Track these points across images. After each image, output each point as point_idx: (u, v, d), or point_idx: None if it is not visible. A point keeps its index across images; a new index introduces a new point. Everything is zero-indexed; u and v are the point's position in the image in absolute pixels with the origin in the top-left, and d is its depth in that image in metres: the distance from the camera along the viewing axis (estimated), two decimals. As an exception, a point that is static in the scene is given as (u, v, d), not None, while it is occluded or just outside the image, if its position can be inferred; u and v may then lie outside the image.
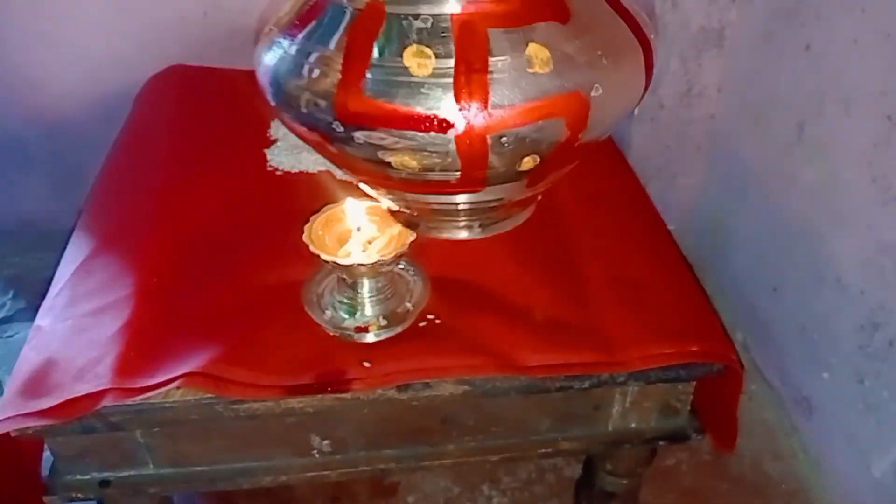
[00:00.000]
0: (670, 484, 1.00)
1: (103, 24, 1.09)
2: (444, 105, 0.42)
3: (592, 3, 0.46)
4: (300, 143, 0.94)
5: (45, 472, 0.69)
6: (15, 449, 0.64)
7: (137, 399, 0.61)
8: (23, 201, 1.23)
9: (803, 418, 1.00)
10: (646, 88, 0.48)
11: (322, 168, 0.92)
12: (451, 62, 0.42)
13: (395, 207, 0.58)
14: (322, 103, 0.46)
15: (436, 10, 0.42)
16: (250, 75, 1.10)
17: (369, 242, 0.68)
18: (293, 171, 0.91)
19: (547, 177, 0.53)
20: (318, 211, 0.69)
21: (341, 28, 0.47)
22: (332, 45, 0.47)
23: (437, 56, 0.42)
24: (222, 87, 1.08)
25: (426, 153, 0.45)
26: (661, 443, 0.75)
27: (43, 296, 0.76)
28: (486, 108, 0.42)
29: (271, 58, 0.55)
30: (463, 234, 0.62)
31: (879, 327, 0.84)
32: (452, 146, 0.44)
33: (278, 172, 0.91)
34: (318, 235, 0.67)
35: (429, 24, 0.42)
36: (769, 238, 1.04)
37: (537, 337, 0.68)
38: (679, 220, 1.25)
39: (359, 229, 0.67)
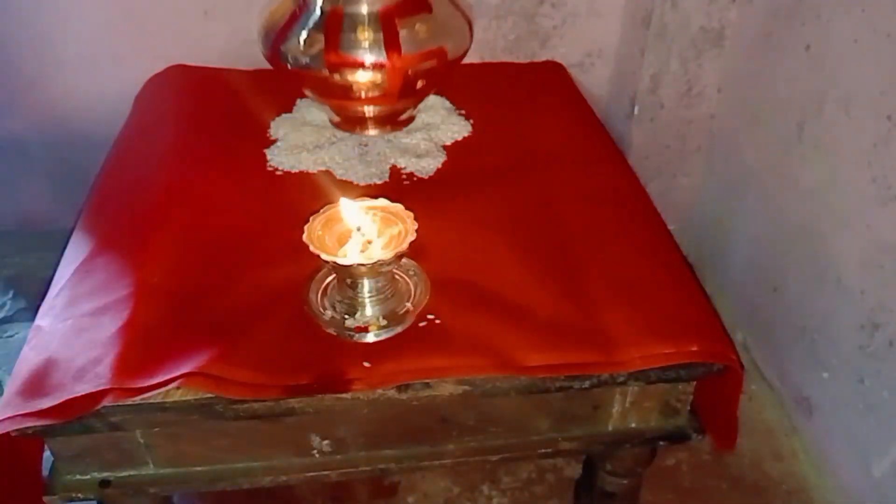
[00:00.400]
0: (670, 484, 1.00)
1: (102, 23, 1.09)
2: (378, 56, 0.81)
3: (442, 4, 0.85)
4: (300, 143, 0.96)
5: (45, 471, 0.69)
6: (15, 449, 0.64)
7: (137, 399, 0.61)
8: (23, 201, 1.23)
9: (803, 418, 1.00)
10: (470, 43, 0.89)
11: (322, 168, 0.92)
12: (380, 34, 0.81)
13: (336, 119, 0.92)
14: (317, 61, 0.83)
15: (370, 9, 0.81)
16: (250, 75, 1.12)
17: (369, 243, 0.68)
18: (293, 171, 0.91)
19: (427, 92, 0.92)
20: (317, 211, 0.69)
21: (317, 20, 0.83)
22: (315, 28, 0.82)
23: (373, 31, 0.81)
24: (222, 87, 1.08)
25: (370, 81, 0.83)
26: (661, 443, 0.75)
27: (43, 296, 0.76)
28: (399, 55, 0.80)
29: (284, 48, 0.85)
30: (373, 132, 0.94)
31: (880, 327, 0.84)
32: (384, 75, 0.83)
33: (278, 172, 0.91)
34: (318, 235, 0.67)
35: (367, 16, 0.81)
36: (769, 238, 1.04)
37: (537, 337, 0.68)
38: (679, 220, 1.25)
39: (359, 229, 0.67)
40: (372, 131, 0.92)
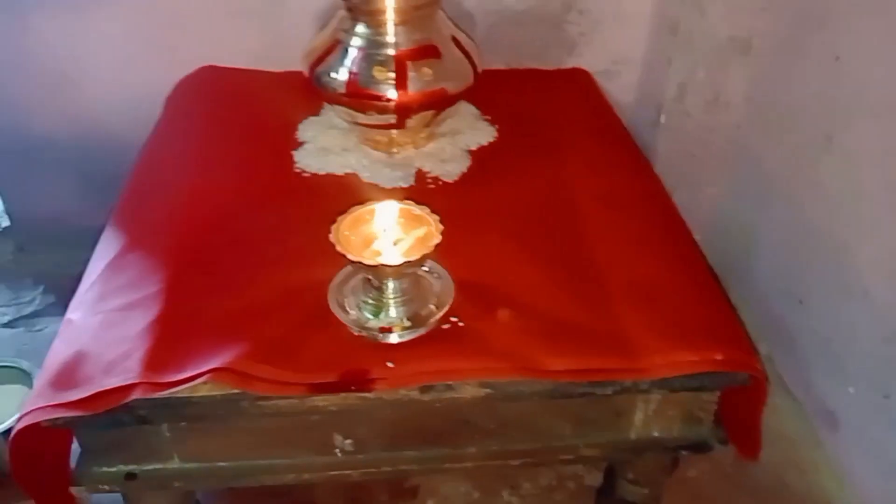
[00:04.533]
0: (690, 493, 0.99)
1: (134, 25, 1.11)
2: (390, 92, 0.87)
3: (451, 51, 0.91)
4: (327, 145, 0.97)
5: (73, 463, 0.70)
6: (44, 439, 0.65)
7: (165, 393, 0.62)
8: (53, 199, 1.25)
9: (828, 432, 0.99)
10: (474, 83, 0.93)
11: (348, 171, 0.93)
12: (393, 74, 0.87)
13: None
14: (341, 89, 0.89)
15: (386, 53, 0.87)
16: (280, 77, 1.13)
17: (395, 244, 0.68)
18: (320, 173, 0.92)
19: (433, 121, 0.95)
20: (344, 212, 0.70)
21: (350, 57, 0.89)
22: (344, 62, 0.89)
23: (388, 71, 0.87)
24: (252, 89, 1.10)
25: (379, 113, 0.89)
26: (683, 452, 0.75)
27: (72, 291, 0.77)
28: (406, 92, 0.86)
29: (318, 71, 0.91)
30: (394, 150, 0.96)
31: (907, 341, 0.83)
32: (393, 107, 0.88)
33: (305, 174, 0.92)
34: (345, 236, 0.67)
35: (383, 58, 0.87)
36: (795, 249, 1.03)
37: (560, 341, 0.69)
38: (704, 230, 1.24)
39: (385, 231, 0.68)
40: (394, 149, 0.95)
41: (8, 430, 0.69)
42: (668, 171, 1.17)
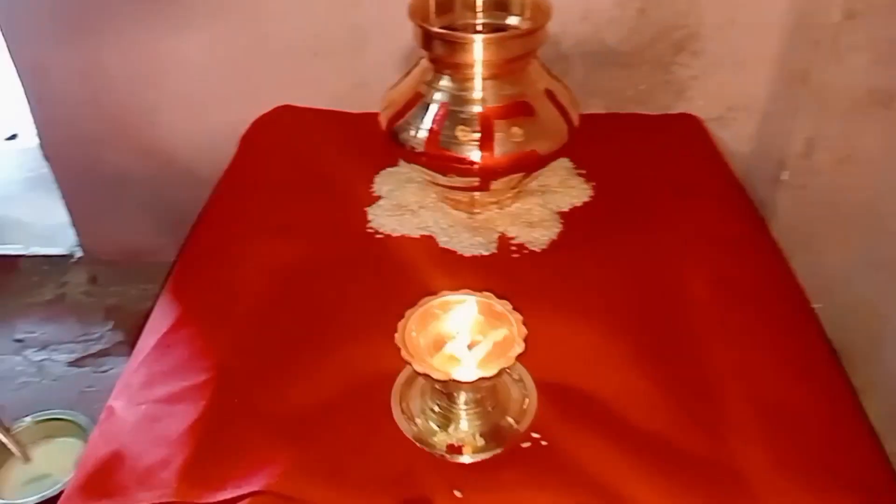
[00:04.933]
0: None
1: (211, 62, 1.06)
2: (474, 154, 0.77)
3: (545, 107, 0.80)
4: (403, 202, 0.88)
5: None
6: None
7: (201, 513, 0.55)
8: (126, 232, 1.23)
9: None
10: (569, 142, 0.81)
11: (424, 232, 0.84)
12: (478, 134, 0.77)
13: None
14: (419, 148, 0.79)
15: (471, 110, 0.77)
16: (358, 119, 1.06)
17: (470, 348, 0.59)
18: (394, 234, 0.84)
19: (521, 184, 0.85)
20: (415, 304, 0.61)
21: (431, 113, 0.79)
22: (423, 118, 0.79)
23: (471, 131, 0.77)
24: (329, 132, 1.03)
25: (461, 175, 0.80)
26: None
27: (140, 330, 0.73)
28: (492, 155, 0.77)
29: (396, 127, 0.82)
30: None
31: None
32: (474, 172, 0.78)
33: (378, 236, 0.84)
34: (412, 338, 0.58)
35: (468, 116, 0.77)
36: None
37: (658, 471, 0.58)
38: (825, 299, 1.09)
39: (459, 333, 0.59)
40: (476, 209, 0.86)
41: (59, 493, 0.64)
42: (789, 233, 1.03)
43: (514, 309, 0.60)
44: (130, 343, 1.17)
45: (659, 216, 0.86)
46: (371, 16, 0.99)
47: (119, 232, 1.23)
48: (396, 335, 0.58)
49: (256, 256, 0.80)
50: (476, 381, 0.55)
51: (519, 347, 0.57)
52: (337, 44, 1.02)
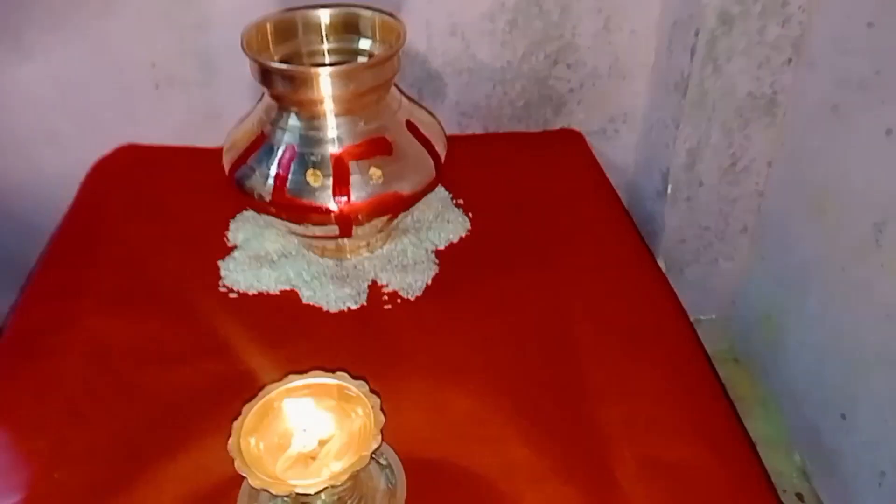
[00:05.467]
0: None
1: (42, 98, 0.92)
2: (328, 201, 0.68)
3: (407, 141, 0.72)
4: (261, 252, 0.78)
5: None
6: None
7: None
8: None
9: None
10: (436, 178, 0.74)
11: (285, 287, 0.75)
12: (331, 179, 0.68)
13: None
14: (267, 197, 0.70)
15: (322, 152, 0.68)
16: (210, 154, 0.94)
17: (322, 444, 0.50)
18: (250, 293, 0.74)
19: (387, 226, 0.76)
20: (253, 398, 0.52)
21: (276, 156, 0.70)
22: (269, 163, 0.70)
23: (324, 175, 0.68)
24: (178, 172, 0.92)
25: (316, 224, 0.71)
26: None
27: None
28: (349, 201, 0.68)
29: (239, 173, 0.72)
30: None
31: None
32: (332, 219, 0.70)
33: (232, 295, 0.74)
34: (248, 446, 0.49)
35: (319, 158, 0.68)
36: (836, 354, 0.85)
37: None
38: (721, 309, 1.07)
39: (305, 431, 0.50)
40: (345, 255, 0.77)
41: None
42: (678, 247, 1.00)
43: (377, 378, 0.52)
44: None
45: (540, 250, 0.79)
46: (219, 39, 0.88)
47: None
48: (230, 441, 0.49)
49: (87, 337, 0.68)
50: (325, 489, 0.47)
51: (375, 442, 0.49)
52: (183, 72, 0.91)
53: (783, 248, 0.95)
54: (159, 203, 0.87)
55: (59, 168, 0.93)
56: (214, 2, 0.86)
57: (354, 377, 0.52)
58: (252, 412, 0.50)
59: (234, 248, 0.80)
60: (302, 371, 0.53)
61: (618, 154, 1.01)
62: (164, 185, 0.90)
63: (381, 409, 0.51)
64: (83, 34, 0.87)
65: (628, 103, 0.99)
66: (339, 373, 0.53)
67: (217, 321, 0.71)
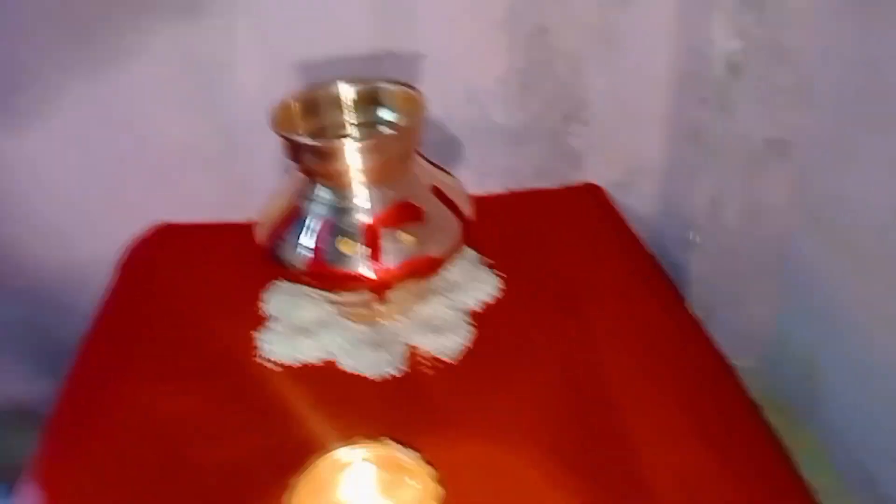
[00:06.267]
0: None
1: (76, 182, 0.95)
2: (362, 268, 0.70)
3: (433, 206, 0.74)
4: (298, 323, 0.79)
5: None
6: None
7: None
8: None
9: None
10: (462, 239, 0.75)
11: (325, 357, 0.76)
12: (364, 247, 0.70)
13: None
14: (303, 268, 0.71)
15: (353, 221, 0.70)
16: (242, 229, 0.96)
17: (375, 514, 0.51)
18: (292, 364, 0.75)
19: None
20: (302, 465, 0.52)
21: (310, 228, 0.72)
22: (307, 239, 0.71)
23: (357, 243, 0.70)
24: (211, 247, 0.94)
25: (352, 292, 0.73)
26: None
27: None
28: (382, 267, 0.70)
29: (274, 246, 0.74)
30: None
31: None
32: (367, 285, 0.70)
33: (271, 366, 0.75)
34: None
35: (351, 227, 0.70)
36: (886, 395, 0.84)
37: None
38: (755, 356, 1.06)
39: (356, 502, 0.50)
40: (379, 320, 0.78)
41: None
42: (708, 295, 1.00)
43: (426, 445, 0.53)
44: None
45: (575, 305, 0.80)
46: (244, 116, 0.92)
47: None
48: (285, 513, 0.49)
49: (136, 414, 0.69)
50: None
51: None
52: (213, 152, 0.93)
53: (815, 290, 0.95)
54: (193, 279, 0.89)
55: (93, 249, 0.95)
56: (237, 81, 0.90)
57: (404, 445, 0.53)
58: (303, 484, 0.51)
59: (271, 319, 0.81)
60: (349, 441, 0.53)
61: (639, 205, 1.02)
62: (197, 261, 0.92)
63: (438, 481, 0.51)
64: (108, 114, 0.90)
65: (645, 155, 1.00)
66: (389, 442, 0.54)
67: (260, 393, 0.72)
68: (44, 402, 0.75)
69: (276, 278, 0.85)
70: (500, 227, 0.91)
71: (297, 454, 0.63)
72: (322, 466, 0.51)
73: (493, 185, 0.99)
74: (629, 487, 0.59)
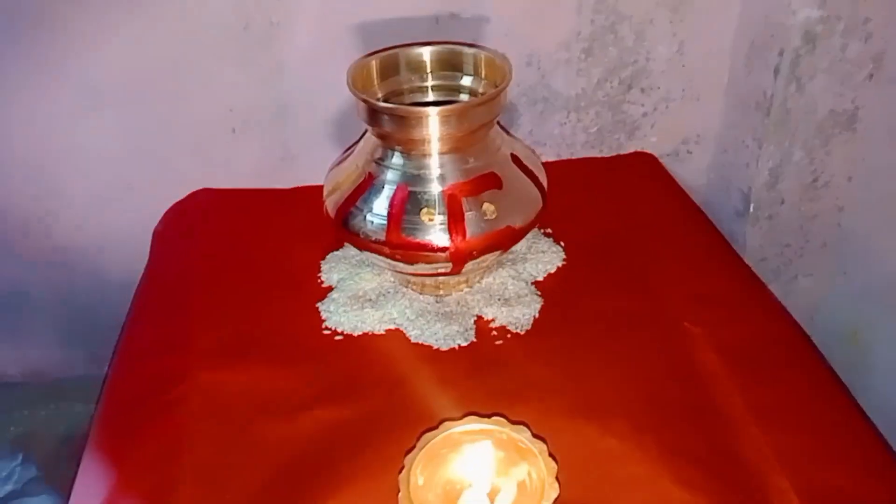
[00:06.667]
0: None
1: (112, 149, 0.91)
2: (443, 239, 0.67)
3: (514, 175, 0.71)
4: (360, 292, 0.77)
5: None
6: None
7: None
8: (28, 350, 1.05)
9: None
10: (543, 208, 0.72)
11: (390, 327, 0.73)
12: (445, 216, 0.67)
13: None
14: (380, 237, 0.68)
15: (434, 190, 0.67)
16: (288, 195, 0.93)
17: (490, 496, 0.49)
18: (355, 334, 0.73)
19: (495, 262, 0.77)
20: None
21: (387, 196, 0.68)
22: (383, 207, 0.68)
23: (437, 213, 0.67)
24: (256, 214, 0.91)
25: (429, 263, 0.69)
26: None
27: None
28: (464, 238, 0.67)
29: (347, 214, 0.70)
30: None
31: None
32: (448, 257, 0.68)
33: (337, 338, 0.73)
34: (418, 489, 0.48)
35: (431, 197, 0.67)
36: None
37: None
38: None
39: (476, 483, 0.49)
40: (442, 291, 0.76)
41: None
42: (759, 265, 0.99)
43: (535, 435, 0.51)
44: (46, 480, 1.00)
45: (641, 274, 0.78)
46: (294, 83, 0.88)
47: (19, 350, 1.05)
48: (400, 495, 0.47)
49: (202, 392, 0.66)
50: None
51: (553, 491, 0.47)
52: (257, 116, 0.90)
53: (866, 263, 0.94)
54: (240, 248, 0.86)
55: (136, 219, 0.92)
56: (289, 47, 0.86)
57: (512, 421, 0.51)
58: (418, 460, 0.49)
59: (331, 289, 0.78)
60: (459, 418, 0.52)
61: (690, 175, 1.01)
62: (242, 229, 0.89)
63: (551, 455, 0.49)
64: (150, 76, 0.86)
65: (701, 125, 0.98)
66: (496, 418, 0.52)
67: (328, 365, 0.69)
68: (81, 376, 0.72)
69: (335, 247, 0.83)
70: (557, 197, 0.88)
71: (375, 428, 0.62)
72: (436, 444, 0.50)
73: (545, 153, 0.97)
74: (727, 466, 0.58)
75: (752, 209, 0.94)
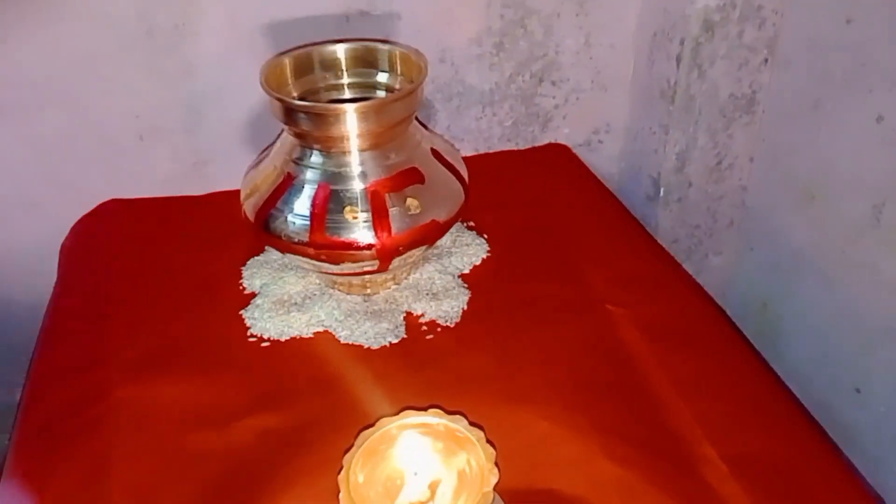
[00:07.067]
0: None
1: (12, 163, 0.86)
2: (368, 236, 0.66)
3: (435, 169, 0.71)
4: (284, 296, 0.76)
5: None
6: None
7: None
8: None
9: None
10: (466, 201, 0.73)
11: (318, 329, 0.73)
12: (369, 213, 0.66)
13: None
14: (303, 238, 0.67)
15: (355, 187, 0.67)
16: (202, 201, 0.91)
17: (431, 488, 0.49)
18: (282, 339, 0.72)
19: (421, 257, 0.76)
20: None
21: (308, 196, 0.67)
22: (305, 208, 0.67)
23: (361, 211, 0.66)
24: (171, 223, 0.88)
25: (357, 262, 0.68)
26: None
27: None
28: (390, 234, 0.66)
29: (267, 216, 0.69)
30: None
31: None
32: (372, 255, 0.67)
33: (264, 344, 0.71)
34: (359, 487, 0.47)
35: (353, 195, 0.67)
36: (842, 331, 0.89)
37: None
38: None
39: (416, 474, 0.49)
40: (369, 290, 0.76)
41: None
42: (672, 247, 1.02)
43: (472, 424, 0.51)
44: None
45: (563, 260, 0.80)
46: (203, 86, 0.85)
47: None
48: (341, 495, 0.47)
49: (124, 408, 0.64)
50: (455, 535, 0.46)
51: (493, 477, 0.48)
52: (166, 122, 0.87)
53: (771, 239, 0.99)
54: (156, 259, 0.83)
55: (42, 236, 0.87)
56: (197, 49, 0.83)
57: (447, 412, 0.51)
58: (356, 457, 0.48)
59: (254, 295, 0.77)
60: (395, 413, 0.51)
61: (603, 164, 1.04)
62: (157, 240, 0.86)
63: (489, 442, 0.50)
64: (48, 83, 0.82)
65: (610, 114, 1.01)
66: (433, 409, 0.52)
67: (257, 372, 0.68)
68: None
69: (255, 252, 0.81)
70: (477, 189, 0.89)
71: (308, 433, 0.61)
72: (373, 440, 0.49)
73: (463, 148, 0.98)
74: (656, 439, 0.60)
75: (662, 193, 0.98)
